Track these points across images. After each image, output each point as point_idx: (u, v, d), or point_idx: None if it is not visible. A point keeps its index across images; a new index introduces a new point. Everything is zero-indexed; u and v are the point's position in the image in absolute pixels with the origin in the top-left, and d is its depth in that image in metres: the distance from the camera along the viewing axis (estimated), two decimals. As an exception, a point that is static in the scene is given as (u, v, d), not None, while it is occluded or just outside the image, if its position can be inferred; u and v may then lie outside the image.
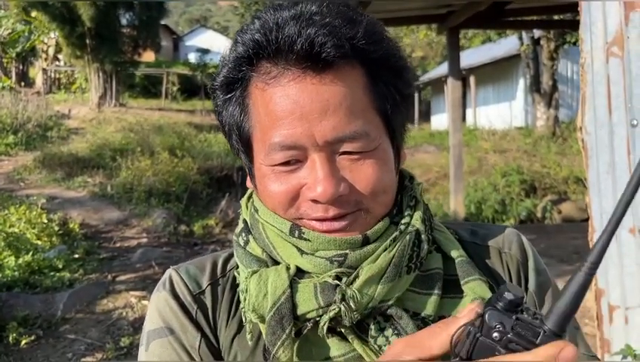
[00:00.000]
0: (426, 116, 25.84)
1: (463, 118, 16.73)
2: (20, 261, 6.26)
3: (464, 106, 18.90)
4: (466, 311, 0.51)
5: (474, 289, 0.74)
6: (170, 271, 0.83)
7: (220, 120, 0.78)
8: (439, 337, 0.51)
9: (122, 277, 6.54)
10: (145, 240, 8.49)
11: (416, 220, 0.75)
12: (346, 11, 0.71)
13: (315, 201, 0.69)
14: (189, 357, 0.76)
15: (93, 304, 5.66)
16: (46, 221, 7.92)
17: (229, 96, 0.74)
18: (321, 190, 0.67)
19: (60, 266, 6.52)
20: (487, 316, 0.47)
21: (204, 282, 0.81)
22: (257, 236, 0.77)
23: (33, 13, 19.30)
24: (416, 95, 24.44)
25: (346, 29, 0.67)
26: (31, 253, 6.54)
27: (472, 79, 19.90)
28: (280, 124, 0.68)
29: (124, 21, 20.81)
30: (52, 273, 6.30)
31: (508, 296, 0.47)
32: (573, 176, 10.66)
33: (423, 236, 0.74)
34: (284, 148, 0.69)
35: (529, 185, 10.40)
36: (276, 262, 0.75)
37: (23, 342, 4.74)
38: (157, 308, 0.79)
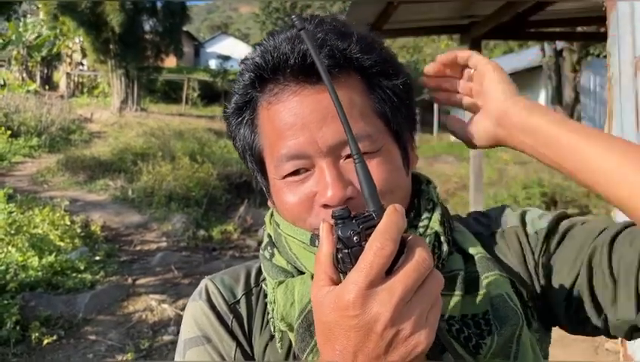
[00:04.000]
0: (445, 126, 25.70)
1: (483, 129, 16.58)
2: (44, 261, 6.36)
3: (484, 117, 18.75)
4: (323, 242, 0.58)
5: (494, 284, 0.75)
6: (205, 281, 0.85)
7: (234, 144, 0.83)
8: (325, 277, 0.58)
9: (142, 281, 6.61)
10: (164, 244, 8.56)
11: (435, 222, 0.77)
12: (337, 27, 0.75)
13: (326, 206, 0.71)
14: None
15: (113, 306, 5.73)
16: (69, 223, 8.03)
17: (240, 119, 0.79)
18: (331, 194, 0.69)
19: (82, 268, 6.61)
20: (339, 233, 0.57)
21: (239, 292, 0.83)
22: (281, 249, 0.79)
23: (61, 19, 19.66)
24: (435, 105, 24.33)
25: (337, 42, 0.72)
26: (54, 254, 6.64)
27: (492, 90, 19.77)
28: (284, 136, 0.72)
29: (147, 27, 21.11)
30: (74, 274, 6.39)
31: (336, 212, 0.58)
32: (595, 189, 10.51)
33: (442, 238, 0.76)
34: (290, 158, 0.72)
35: (550, 198, 10.26)
36: (301, 273, 0.77)
37: (45, 341, 4.81)
38: (193, 317, 0.81)
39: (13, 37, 22.68)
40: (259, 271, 0.86)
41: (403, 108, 0.77)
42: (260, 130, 0.77)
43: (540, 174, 11.76)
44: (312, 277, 0.73)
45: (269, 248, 0.82)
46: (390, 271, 0.55)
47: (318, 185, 0.72)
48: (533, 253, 0.82)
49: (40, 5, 20.78)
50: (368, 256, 0.54)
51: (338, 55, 0.71)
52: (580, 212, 9.79)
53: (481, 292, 0.75)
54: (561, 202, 10.29)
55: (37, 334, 4.85)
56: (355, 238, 0.56)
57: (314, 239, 0.74)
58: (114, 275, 6.73)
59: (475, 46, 7.64)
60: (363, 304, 0.54)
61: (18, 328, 4.90)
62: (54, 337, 4.91)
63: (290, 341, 0.75)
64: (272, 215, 0.85)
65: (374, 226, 0.56)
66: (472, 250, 0.79)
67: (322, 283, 0.57)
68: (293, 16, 0.64)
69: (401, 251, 0.56)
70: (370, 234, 0.55)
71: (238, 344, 0.79)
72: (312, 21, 0.75)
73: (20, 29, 23.01)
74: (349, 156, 0.71)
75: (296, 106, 0.72)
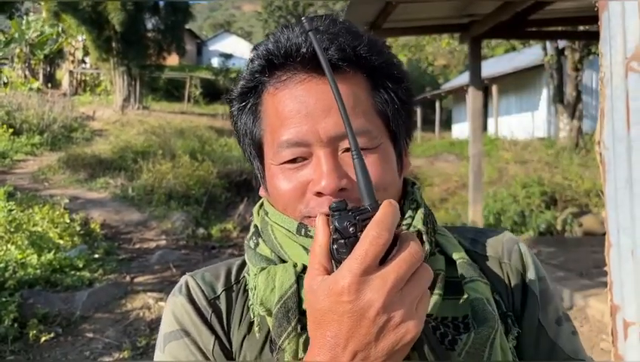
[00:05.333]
0: (446, 125, 25.70)
1: (485, 128, 16.58)
2: (43, 259, 6.39)
3: (485, 116, 18.77)
4: (319, 233, 0.61)
5: (474, 289, 0.76)
6: (186, 277, 0.87)
7: (234, 128, 0.85)
8: (319, 266, 0.59)
9: (140, 279, 6.63)
10: (164, 242, 8.59)
11: (418, 221, 0.78)
12: (349, 27, 0.77)
13: (319, 194, 0.73)
14: (204, 357, 0.79)
15: (111, 304, 5.74)
16: (68, 221, 8.07)
17: (243, 104, 0.81)
18: (325, 183, 0.71)
19: (81, 265, 6.64)
20: (336, 224, 0.59)
21: (219, 288, 0.84)
22: (267, 238, 0.81)
23: (62, 17, 19.68)
24: (437, 103, 24.32)
25: (349, 39, 0.74)
26: (53, 252, 6.67)
27: (494, 88, 19.76)
28: (288, 123, 0.74)
29: (149, 25, 21.11)
30: (72, 272, 6.42)
31: (333, 205, 0.60)
32: (595, 188, 10.49)
33: (424, 236, 0.77)
34: (290, 146, 0.74)
35: (549, 197, 10.24)
36: (284, 261, 0.78)
37: (43, 339, 4.83)
38: (173, 312, 0.83)
39: (16, 35, 22.72)
40: (239, 268, 0.87)
41: (403, 111, 0.79)
42: (262, 116, 0.78)
43: (540, 173, 11.73)
44: (295, 265, 0.75)
45: (254, 238, 0.84)
46: (383, 261, 0.57)
47: (314, 174, 0.73)
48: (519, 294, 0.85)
49: (42, 3, 20.79)
50: (364, 244, 0.56)
51: (349, 50, 0.73)
52: (580, 211, 9.78)
53: (462, 296, 0.76)
54: (561, 201, 10.28)
55: (35, 331, 4.87)
56: (351, 229, 0.58)
57: (300, 228, 0.75)
58: (112, 273, 6.75)
59: (476, 45, 7.63)
60: (357, 290, 0.55)
61: (16, 325, 4.92)
62: (52, 334, 4.92)
63: (268, 326, 0.76)
64: (261, 205, 0.87)
65: (370, 218, 0.58)
66: (455, 255, 0.80)
67: (316, 273, 0.59)
68: (303, 18, 0.67)
69: (394, 244, 0.58)
70: (365, 226, 0.57)
71: (217, 337, 0.80)
72: (325, 20, 0.77)
73: (23, 27, 23.05)
74: (347, 149, 0.72)
75: (302, 94, 0.73)
